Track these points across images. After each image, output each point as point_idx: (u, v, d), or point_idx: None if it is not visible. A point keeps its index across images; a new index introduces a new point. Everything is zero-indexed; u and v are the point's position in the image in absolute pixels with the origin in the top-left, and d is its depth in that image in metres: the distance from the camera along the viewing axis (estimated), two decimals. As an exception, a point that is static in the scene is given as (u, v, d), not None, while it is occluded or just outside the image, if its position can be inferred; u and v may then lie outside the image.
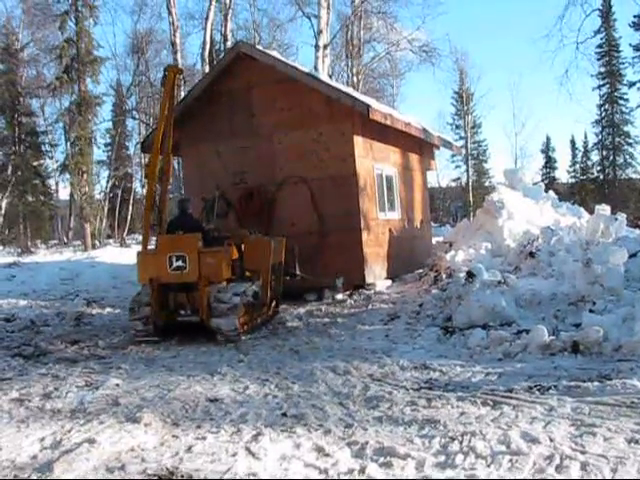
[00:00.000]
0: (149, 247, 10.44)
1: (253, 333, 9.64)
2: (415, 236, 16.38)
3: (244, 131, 13.90)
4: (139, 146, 22.07)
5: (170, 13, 28.79)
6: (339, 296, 12.53)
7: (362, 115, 12.87)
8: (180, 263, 9.29)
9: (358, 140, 13.33)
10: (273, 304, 10.93)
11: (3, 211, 40.44)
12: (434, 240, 20.72)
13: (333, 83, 14.97)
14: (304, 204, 13.31)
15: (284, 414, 5.57)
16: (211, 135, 14.06)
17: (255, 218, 13.19)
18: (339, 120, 13.11)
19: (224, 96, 14.06)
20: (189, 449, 4.82)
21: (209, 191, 13.26)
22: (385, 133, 14.50)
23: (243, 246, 10.28)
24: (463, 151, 56.24)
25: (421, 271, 14.39)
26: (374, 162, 14.13)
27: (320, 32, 27.19)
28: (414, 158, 17.07)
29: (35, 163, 41.70)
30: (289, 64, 14.34)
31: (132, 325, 9.61)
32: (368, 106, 12.84)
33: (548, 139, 58.81)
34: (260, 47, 15.95)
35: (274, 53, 15.09)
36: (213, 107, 14.12)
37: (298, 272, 12.18)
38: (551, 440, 4.55)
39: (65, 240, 40.86)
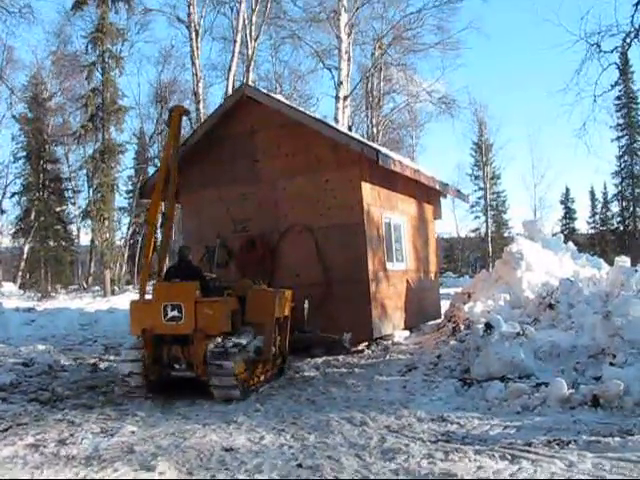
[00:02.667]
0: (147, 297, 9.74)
1: (254, 393, 8.83)
2: (424, 288, 15.90)
3: (247, 177, 13.40)
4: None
5: (193, 64, 29.45)
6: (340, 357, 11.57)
7: (370, 161, 12.34)
8: (175, 313, 8.64)
9: (366, 187, 12.76)
10: (279, 361, 10.09)
11: (25, 256, 40.90)
12: (452, 291, 20.66)
13: (340, 128, 14.59)
14: (309, 254, 12.71)
15: (300, 465, 5.53)
16: (212, 181, 13.59)
17: (257, 268, 12.60)
18: (346, 166, 12.55)
19: (226, 140, 13.60)
20: (203, 499, 4.78)
21: (209, 239, 12.68)
22: (393, 180, 14.06)
23: (246, 297, 9.51)
24: (475, 200, 56.40)
25: (439, 322, 14.30)
26: (382, 210, 13.59)
27: (340, 83, 27.62)
28: (422, 207, 16.62)
29: (58, 209, 42.24)
30: (294, 107, 13.97)
31: (122, 381, 8.88)
32: (378, 151, 12.39)
33: (567, 190, 58.70)
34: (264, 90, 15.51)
35: (279, 96, 14.75)
36: (215, 152, 13.67)
37: (307, 328, 11.43)
38: (571, 497, 4.47)
39: (85, 285, 41.10)
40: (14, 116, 42.92)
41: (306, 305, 11.30)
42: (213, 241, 12.47)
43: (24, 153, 42.59)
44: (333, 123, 16.71)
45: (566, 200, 58.36)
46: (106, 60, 36.07)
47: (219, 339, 8.68)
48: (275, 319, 9.56)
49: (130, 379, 8.76)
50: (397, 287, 14.08)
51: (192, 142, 13.64)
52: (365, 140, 15.73)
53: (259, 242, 13.12)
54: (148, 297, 9.59)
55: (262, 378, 9.31)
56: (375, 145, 14.84)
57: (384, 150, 13.77)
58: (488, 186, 57.56)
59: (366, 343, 12.38)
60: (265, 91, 14.97)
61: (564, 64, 22.43)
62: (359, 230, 12.46)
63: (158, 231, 10.93)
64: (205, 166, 13.68)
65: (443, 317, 14.71)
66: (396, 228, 14.54)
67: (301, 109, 14.47)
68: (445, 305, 16.23)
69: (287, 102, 14.44)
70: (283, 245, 13.07)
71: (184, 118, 11.05)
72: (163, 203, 10.34)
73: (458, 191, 18.92)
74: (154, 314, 8.72)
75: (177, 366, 8.83)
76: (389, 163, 12.78)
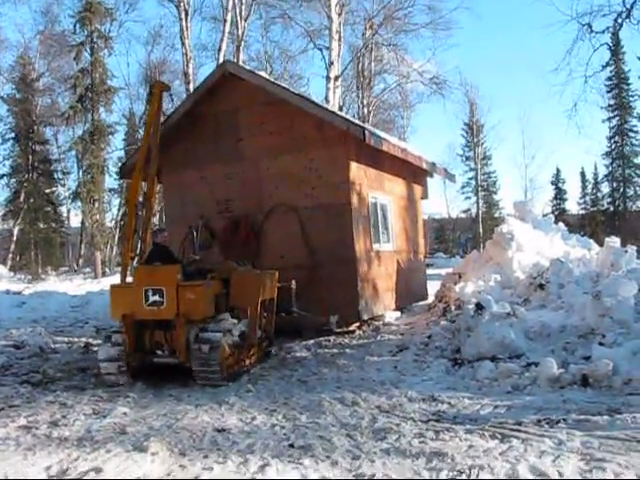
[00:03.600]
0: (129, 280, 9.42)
1: (240, 378, 8.60)
2: (411, 269, 15.68)
3: (230, 156, 13.01)
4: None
5: (183, 44, 29.20)
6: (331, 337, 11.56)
7: (356, 140, 11.97)
8: (157, 298, 8.33)
9: (352, 166, 12.40)
10: (265, 344, 9.90)
11: (15, 238, 40.74)
12: (443, 271, 20.67)
13: (328, 107, 14.02)
14: (294, 235, 12.36)
15: (291, 445, 5.55)
16: (194, 160, 13.22)
17: (241, 249, 12.28)
18: (332, 145, 12.18)
19: (209, 119, 13.21)
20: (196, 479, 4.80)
21: (192, 220, 12.62)
22: (380, 160, 13.71)
23: (230, 280, 9.17)
24: (466, 180, 56.46)
25: (429, 302, 14.35)
26: (369, 190, 13.27)
27: (331, 64, 27.51)
28: (409, 187, 16.36)
29: (47, 191, 42.06)
30: (278, 84, 13.57)
31: (102, 367, 8.55)
32: (364, 129, 12.01)
33: (558, 171, 58.77)
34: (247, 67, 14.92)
35: (262, 73, 14.32)
36: (197, 131, 13.26)
37: (295, 309, 11.11)
38: (560, 475, 4.52)
39: (75, 267, 41.04)
40: (1, 97, 42.64)
41: (293, 286, 11.01)
42: (196, 222, 12.39)
43: (12, 134, 42.29)
44: (321, 102, 16.43)
45: (557, 181, 58.49)
46: (94, 40, 35.89)
47: (202, 324, 8.43)
48: (260, 302, 9.32)
49: (110, 365, 8.46)
50: (385, 268, 13.90)
51: (173, 120, 13.24)
52: (351, 118, 15.49)
53: (243, 223, 12.81)
54: (130, 280, 9.32)
55: (247, 362, 9.10)
56: (362, 123, 14.52)
57: (371, 128, 13.38)
58: (479, 167, 57.73)
59: (357, 324, 12.34)
60: (248, 67, 14.61)
61: (555, 45, 22.52)
62: (345, 210, 12.14)
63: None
64: (187, 145, 13.31)
65: (434, 297, 14.75)
66: (383, 208, 14.31)
67: (285, 86, 14.06)
68: (433, 286, 16.30)
69: (271, 79, 14.14)
70: (268, 226, 12.74)
71: (166, 95, 10.79)
72: (144, 183, 10.01)
73: (445, 170, 18.47)
74: (135, 299, 8.43)
75: (159, 352, 8.57)
76: (376, 141, 12.47)
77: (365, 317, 12.42)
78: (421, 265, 17.07)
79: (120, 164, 19.57)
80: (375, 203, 13.74)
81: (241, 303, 9.16)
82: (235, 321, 8.96)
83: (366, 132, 11.87)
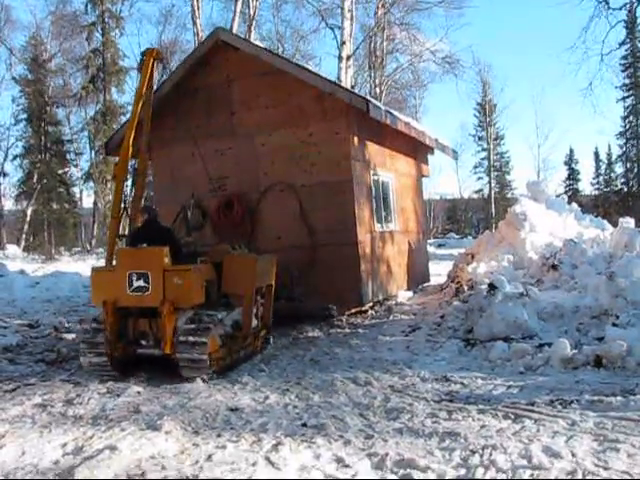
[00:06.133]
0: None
1: (233, 370, 8.01)
2: (412, 249, 15.18)
3: (223, 131, 12.29)
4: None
5: (195, 24, 29.10)
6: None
7: (358, 113, 11.36)
8: (141, 283, 7.61)
9: (354, 141, 11.75)
10: (262, 333, 9.15)
11: (28, 218, 40.95)
12: (455, 251, 20.62)
13: (325, 75, 13.09)
14: (292, 214, 11.70)
15: (304, 424, 5.58)
16: (185, 135, 12.04)
17: (235, 231, 11.65)
18: (333, 118, 11.49)
19: (200, 91, 12.43)
20: (209, 458, 4.84)
21: (183, 199, 11.65)
22: (382, 135, 13.09)
23: (223, 264, 8.45)
24: (479, 160, 56.14)
25: (443, 282, 14.32)
26: (371, 167, 12.62)
27: (343, 43, 27.31)
28: (410, 163, 15.75)
29: (60, 171, 42.17)
30: (275, 53, 12.83)
31: (82, 360, 7.95)
32: (368, 101, 11.38)
33: (571, 151, 58.43)
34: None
35: (257, 42, 13.52)
36: (188, 104, 12.40)
37: (296, 296, 10.62)
38: (573, 455, 4.52)
39: (88, 248, 41.21)
40: (14, 78, 42.73)
41: (295, 272, 10.65)
42: (188, 201, 11.63)
43: (25, 115, 42.39)
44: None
45: (570, 161, 58.12)
46: (106, 20, 35.92)
47: (191, 312, 7.76)
48: (256, 288, 8.66)
49: (91, 355, 7.84)
50: (392, 248, 13.60)
51: (163, 93, 12.25)
52: (351, 89, 14.97)
53: (237, 202, 12.06)
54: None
55: (242, 354, 8.44)
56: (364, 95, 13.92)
57: (373, 101, 12.67)
58: (492, 147, 57.39)
59: (370, 304, 12.17)
60: (241, 36, 14.12)
61: (570, 22, 22.21)
62: (347, 188, 11.50)
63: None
64: (178, 119, 12.42)
65: (446, 277, 14.71)
66: (385, 186, 13.73)
67: (282, 55, 13.41)
68: (445, 267, 16.25)
69: (266, 47, 13.41)
70: (263, 205, 12.06)
71: (160, 65, 10.15)
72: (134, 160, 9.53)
73: (447, 147, 17.65)
74: (118, 283, 7.69)
75: (144, 342, 7.82)
76: (380, 114, 11.82)
77: (367, 301, 11.89)
78: (422, 246, 16.59)
79: (106, 140, 17.93)
80: (377, 180, 13.15)
81: (234, 290, 8.44)
82: (227, 309, 8.27)
83: (370, 104, 11.30)
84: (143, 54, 9.56)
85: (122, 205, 9.25)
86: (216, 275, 8.35)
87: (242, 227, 11.96)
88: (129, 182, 9.92)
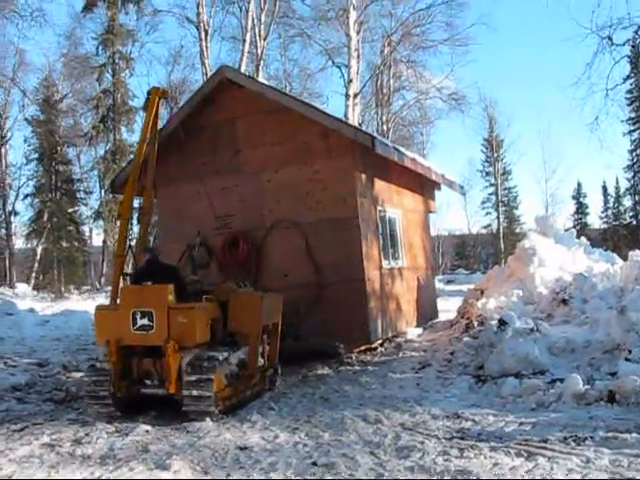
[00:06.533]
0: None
1: (242, 408, 7.90)
2: (421, 285, 15.00)
3: (228, 169, 12.21)
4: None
5: (203, 64, 29.47)
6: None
7: (363, 150, 11.37)
8: (145, 321, 7.48)
9: (360, 177, 11.73)
10: (269, 373, 9.01)
11: (38, 257, 41.08)
12: (464, 287, 20.53)
13: (330, 112, 13.08)
14: (298, 252, 11.55)
15: (314, 463, 5.53)
16: (191, 173, 12.13)
17: (241, 268, 11.57)
18: (338, 155, 11.44)
19: (206, 129, 12.39)
20: (218, 498, 4.78)
21: (189, 237, 11.69)
22: (387, 171, 13.06)
23: (228, 303, 8.34)
24: (487, 196, 56.16)
25: (452, 318, 14.25)
26: (377, 203, 12.54)
27: (350, 81, 27.64)
28: (417, 199, 15.65)
29: (70, 210, 42.36)
30: (280, 90, 12.96)
31: (87, 399, 7.86)
32: (373, 138, 11.36)
33: (579, 185, 58.48)
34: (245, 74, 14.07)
35: (262, 80, 13.61)
36: (193, 142, 12.37)
37: (303, 335, 10.56)
38: (588, 493, 4.44)
39: (98, 286, 41.25)
40: (26, 119, 43.23)
41: (302, 310, 10.51)
42: (193, 239, 11.65)
43: (36, 155, 42.76)
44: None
45: (578, 195, 58.14)
46: (116, 61, 36.44)
47: (196, 351, 7.59)
48: (263, 327, 8.53)
49: (94, 396, 7.71)
50: (400, 284, 13.46)
51: (168, 131, 12.16)
52: (357, 125, 14.95)
53: (242, 240, 11.92)
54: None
55: (248, 393, 8.33)
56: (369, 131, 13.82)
57: (379, 137, 12.72)
58: (499, 182, 57.44)
59: (380, 341, 12.08)
60: (247, 74, 13.92)
61: (575, 58, 22.41)
62: (353, 225, 11.38)
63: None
64: (183, 157, 12.44)
65: (456, 313, 14.64)
66: (391, 222, 13.60)
67: (287, 92, 13.42)
68: (454, 303, 16.17)
69: (271, 85, 13.39)
70: (269, 243, 11.94)
71: (163, 102, 10.02)
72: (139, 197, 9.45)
73: (453, 182, 17.36)
74: (122, 322, 7.57)
75: (148, 382, 7.66)
76: (385, 150, 11.83)
77: (375, 338, 11.70)
78: (430, 282, 16.37)
79: (111, 178, 18.07)
80: (384, 216, 13.07)
81: (240, 329, 8.29)
82: (233, 348, 8.10)
83: (375, 140, 11.30)
84: (149, 93, 9.57)
85: (127, 243, 9.21)
86: (222, 313, 8.24)
87: (248, 265, 11.83)
88: (135, 220, 9.85)
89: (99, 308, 8.29)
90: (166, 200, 12.77)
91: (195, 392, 7.28)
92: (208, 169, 12.22)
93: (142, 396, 7.77)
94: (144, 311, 7.52)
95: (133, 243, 9.36)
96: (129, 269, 9.01)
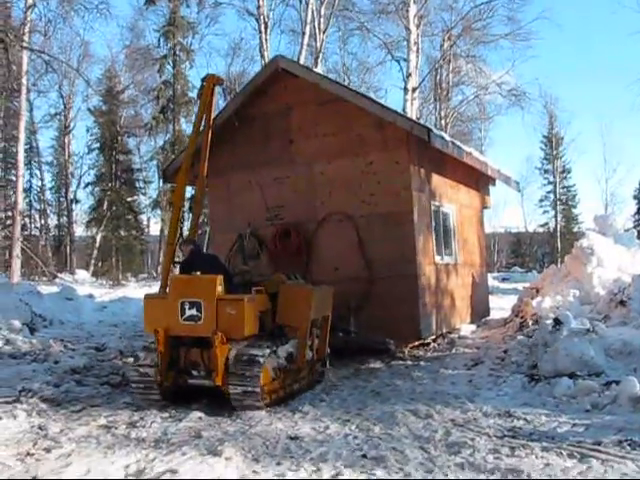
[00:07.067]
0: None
1: (292, 400, 7.88)
2: (475, 282, 14.92)
3: (281, 160, 12.12)
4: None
5: (262, 56, 29.68)
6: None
7: (419, 142, 11.17)
8: (194, 312, 7.45)
9: (415, 171, 11.51)
10: (318, 366, 8.92)
11: (98, 244, 42.07)
12: (520, 286, 20.25)
13: (386, 104, 12.76)
14: (349, 245, 11.45)
15: (364, 455, 5.55)
16: (242, 164, 12.14)
17: (291, 261, 11.46)
18: (393, 147, 11.27)
19: (258, 119, 12.31)
20: (269, 485, 4.85)
21: (239, 227, 11.79)
22: (442, 164, 12.86)
23: (278, 295, 8.25)
24: (545, 194, 55.20)
25: (506, 316, 14.10)
26: (431, 197, 12.36)
27: (409, 75, 27.50)
28: (472, 194, 15.47)
29: (129, 199, 43.21)
30: (335, 81, 12.84)
31: (134, 388, 7.86)
32: (429, 130, 11.12)
33: (641, 184, 56.94)
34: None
35: (317, 70, 13.38)
36: (245, 132, 12.27)
37: (353, 329, 10.48)
38: (642, 498, 4.36)
39: (154, 274, 41.99)
40: (89, 109, 44.38)
41: (353, 304, 10.45)
42: (244, 230, 11.66)
43: (98, 145, 43.76)
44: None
45: (639, 195, 56.64)
46: (177, 53, 36.95)
47: (244, 343, 7.55)
48: (312, 320, 8.40)
49: (142, 385, 7.73)
50: (454, 281, 13.32)
51: (221, 120, 11.96)
52: (412, 116, 14.73)
53: (294, 232, 11.83)
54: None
55: (295, 387, 8.23)
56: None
57: (435, 130, 12.27)
58: (558, 180, 56.41)
59: (433, 337, 12.01)
60: (302, 63, 13.99)
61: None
62: (407, 219, 11.22)
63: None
64: (235, 147, 12.33)
65: (510, 312, 14.47)
66: (446, 217, 13.48)
67: (341, 83, 13.13)
68: (509, 301, 15.98)
69: (325, 75, 13.17)
70: (321, 235, 11.82)
71: (219, 90, 9.93)
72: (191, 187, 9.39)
73: (508, 177, 16.94)
74: (170, 312, 7.56)
75: (195, 373, 7.65)
76: (442, 143, 11.64)
77: (426, 335, 11.57)
78: (484, 278, 16.20)
79: (164, 166, 18.09)
80: (438, 211, 12.93)
81: (289, 321, 8.18)
82: (282, 341, 8.01)
83: (431, 133, 11.07)
84: (203, 80, 9.47)
85: (179, 232, 9.25)
86: (271, 305, 8.15)
87: (299, 257, 11.76)
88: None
89: (148, 297, 8.28)
90: (217, 190, 12.73)
91: (242, 385, 7.23)
92: (260, 159, 12.17)
93: (189, 387, 7.75)
94: (193, 301, 7.49)
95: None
96: (180, 258, 9.01)
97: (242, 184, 12.34)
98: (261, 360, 7.36)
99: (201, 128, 9.55)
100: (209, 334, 7.32)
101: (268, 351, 7.56)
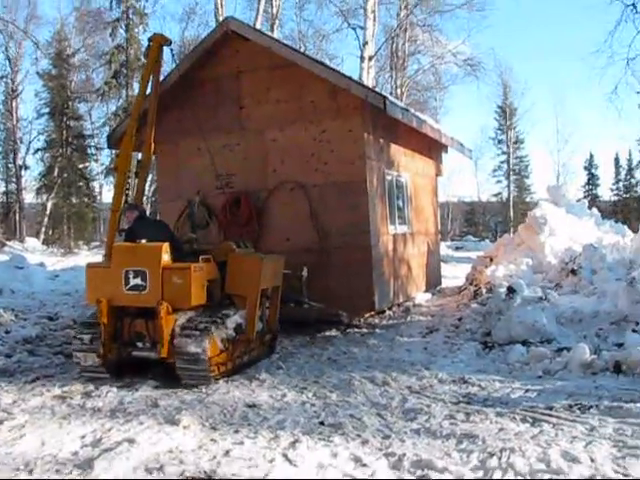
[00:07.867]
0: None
1: (234, 376, 7.54)
2: (429, 251, 14.95)
3: (231, 126, 11.73)
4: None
5: (217, 21, 29.07)
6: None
7: (373, 110, 10.87)
8: (138, 281, 7.15)
9: (369, 140, 11.23)
10: (267, 338, 8.66)
11: (48, 212, 41.23)
12: (473, 254, 20.52)
13: (340, 70, 12.30)
14: (301, 215, 11.16)
15: (322, 422, 5.60)
16: (191, 130, 11.39)
17: (242, 230, 11.17)
18: (347, 115, 10.95)
19: (208, 84, 11.88)
20: (227, 453, 4.87)
21: (188, 195, 11.50)
22: (396, 133, 12.57)
23: (227, 264, 7.98)
24: (498, 164, 55.88)
25: (461, 285, 14.29)
26: (385, 166, 12.09)
27: (365, 44, 27.29)
28: (425, 162, 15.21)
29: (81, 166, 42.31)
30: (288, 45, 12.38)
31: (75, 359, 7.55)
32: (385, 97, 10.81)
33: (591, 156, 57.84)
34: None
35: (269, 33, 12.95)
36: (194, 97, 11.83)
37: (306, 300, 10.17)
38: (592, 460, 4.49)
39: (107, 242, 41.45)
40: (38, 72, 43.00)
41: (304, 273, 10.15)
42: (193, 198, 11.42)
43: (47, 109, 42.53)
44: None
45: (590, 166, 57.61)
46: (130, 17, 36.09)
47: (191, 314, 7.30)
48: (262, 290, 8.13)
49: (83, 357, 7.41)
50: (404, 250, 13.18)
51: (168, 84, 11.50)
52: (368, 85, 14.56)
53: (244, 201, 11.50)
54: None
55: (245, 359, 7.96)
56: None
57: (390, 98, 11.98)
58: (511, 150, 56.99)
59: (389, 306, 12.05)
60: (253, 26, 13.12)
61: (595, 26, 22.06)
62: (360, 188, 10.96)
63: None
64: (183, 113, 11.84)
65: (464, 280, 14.67)
66: (400, 186, 13.27)
67: (294, 47, 12.75)
68: (462, 269, 16.18)
69: (278, 39, 12.82)
70: (272, 204, 11.51)
71: (166, 50, 9.30)
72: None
73: (461, 145, 16.90)
74: (113, 281, 7.25)
75: (140, 344, 7.38)
76: (397, 112, 11.38)
77: (379, 306, 11.36)
78: (435, 248, 16.02)
79: (108, 132, 17.28)
80: (392, 180, 12.70)
81: (238, 291, 7.94)
82: (230, 311, 7.72)
83: (387, 101, 10.76)
84: (150, 40, 9.08)
85: (124, 198, 8.92)
86: (219, 274, 7.88)
87: (249, 227, 11.46)
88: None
89: (90, 266, 7.93)
90: (165, 156, 12.25)
91: (187, 357, 6.98)
92: (210, 125, 11.58)
93: (134, 359, 7.50)
94: (137, 270, 7.21)
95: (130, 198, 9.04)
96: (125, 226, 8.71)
97: (191, 150, 11.88)
98: (209, 331, 7.13)
99: (148, 91, 9.28)
100: (154, 304, 7.05)
101: (216, 322, 7.34)
